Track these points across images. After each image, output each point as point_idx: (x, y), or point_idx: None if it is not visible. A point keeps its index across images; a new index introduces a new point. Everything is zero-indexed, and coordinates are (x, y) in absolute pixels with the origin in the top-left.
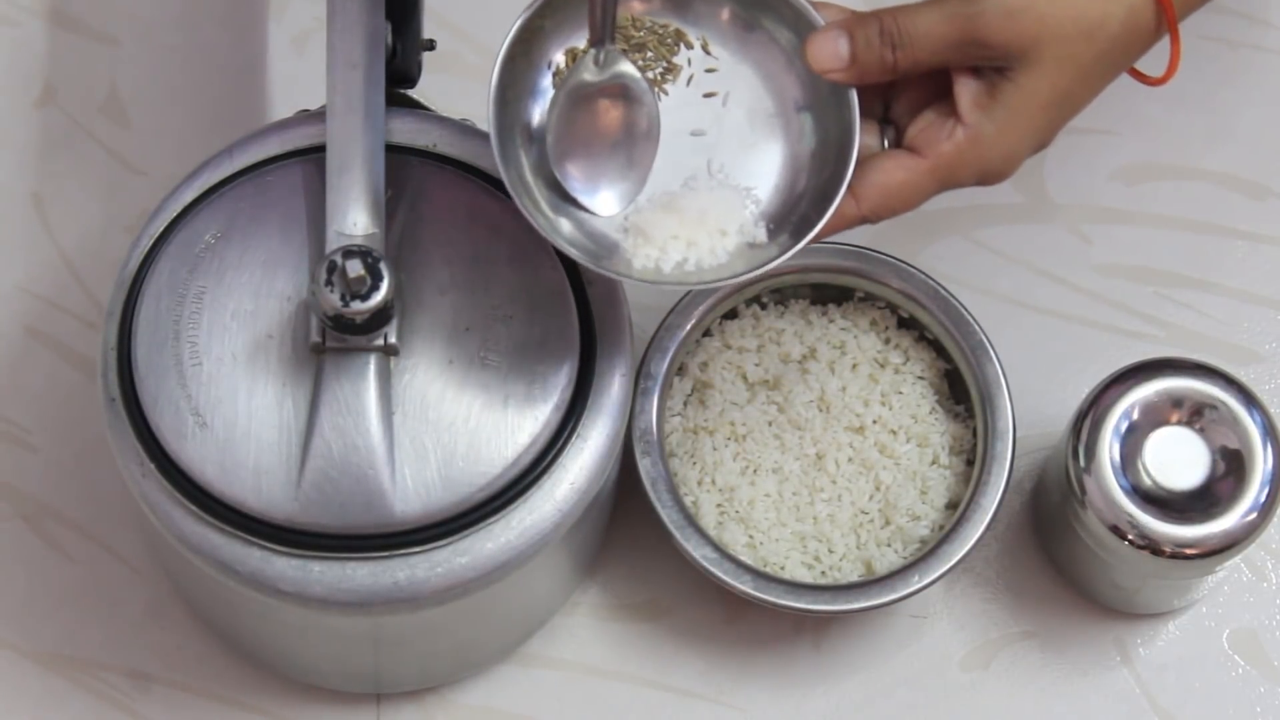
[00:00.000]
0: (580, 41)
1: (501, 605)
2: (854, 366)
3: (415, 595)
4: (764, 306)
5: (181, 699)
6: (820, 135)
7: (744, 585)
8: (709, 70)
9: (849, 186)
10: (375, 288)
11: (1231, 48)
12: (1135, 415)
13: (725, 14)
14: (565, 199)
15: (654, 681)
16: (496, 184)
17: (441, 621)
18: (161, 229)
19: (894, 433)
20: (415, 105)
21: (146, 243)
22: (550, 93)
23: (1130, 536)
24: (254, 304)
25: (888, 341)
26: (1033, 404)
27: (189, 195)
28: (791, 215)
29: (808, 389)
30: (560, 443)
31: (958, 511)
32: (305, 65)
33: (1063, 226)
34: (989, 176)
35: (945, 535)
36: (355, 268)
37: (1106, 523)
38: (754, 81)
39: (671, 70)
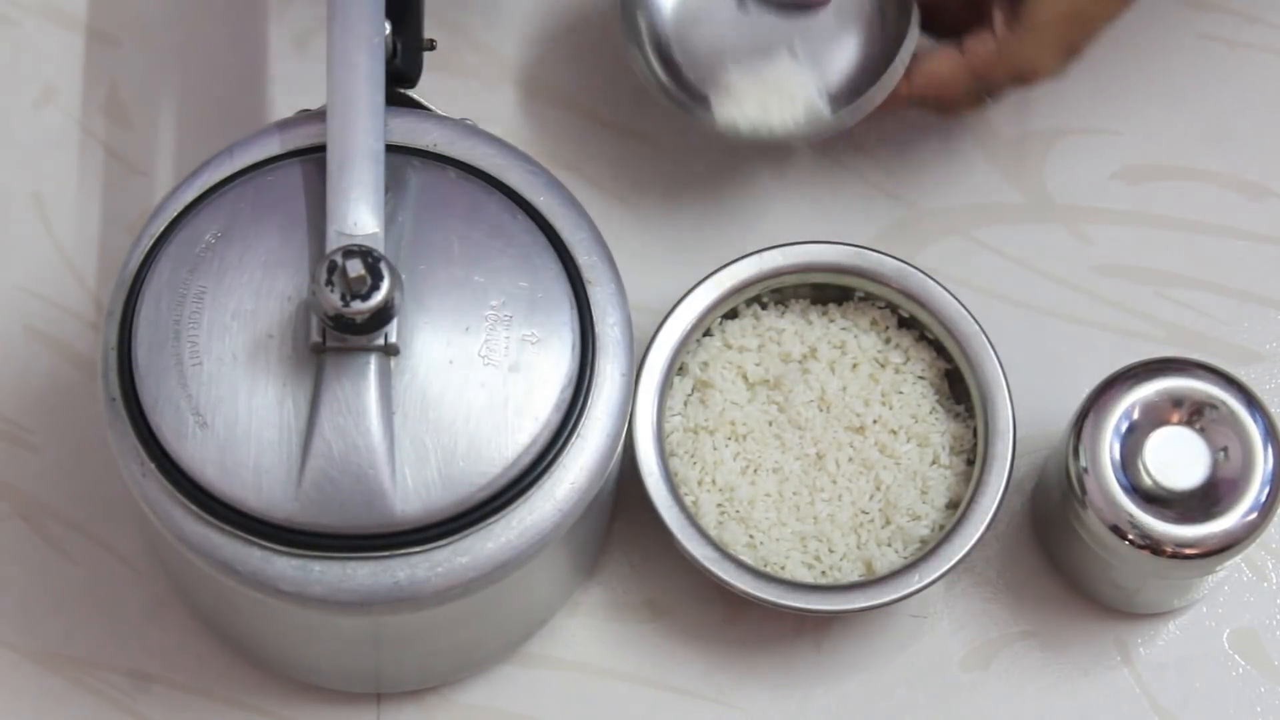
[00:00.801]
0: None
1: (502, 605)
2: (854, 366)
3: (415, 595)
4: (764, 306)
5: (181, 699)
6: (886, 29)
7: (744, 585)
8: None
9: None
10: (375, 287)
11: (1231, 48)
12: (1135, 415)
13: None
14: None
15: (654, 681)
16: (496, 184)
17: (442, 621)
18: (162, 229)
19: (894, 432)
20: (415, 105)
21: (147, 243)
22: None
23: (1130, 536)
24: (254, 304)
25: (888, 341)
26: (1033, 404)
27: (189, 195)
28: (853, 94)
29: (808, 388)
30: (560, 443)
31: (958, 511)
32: (305, 65)
33: (1063, 226)
34: (1022, 79)
35: (945, 535)
36: (355, 267)
37: (1107, 522)
38: None
39: None
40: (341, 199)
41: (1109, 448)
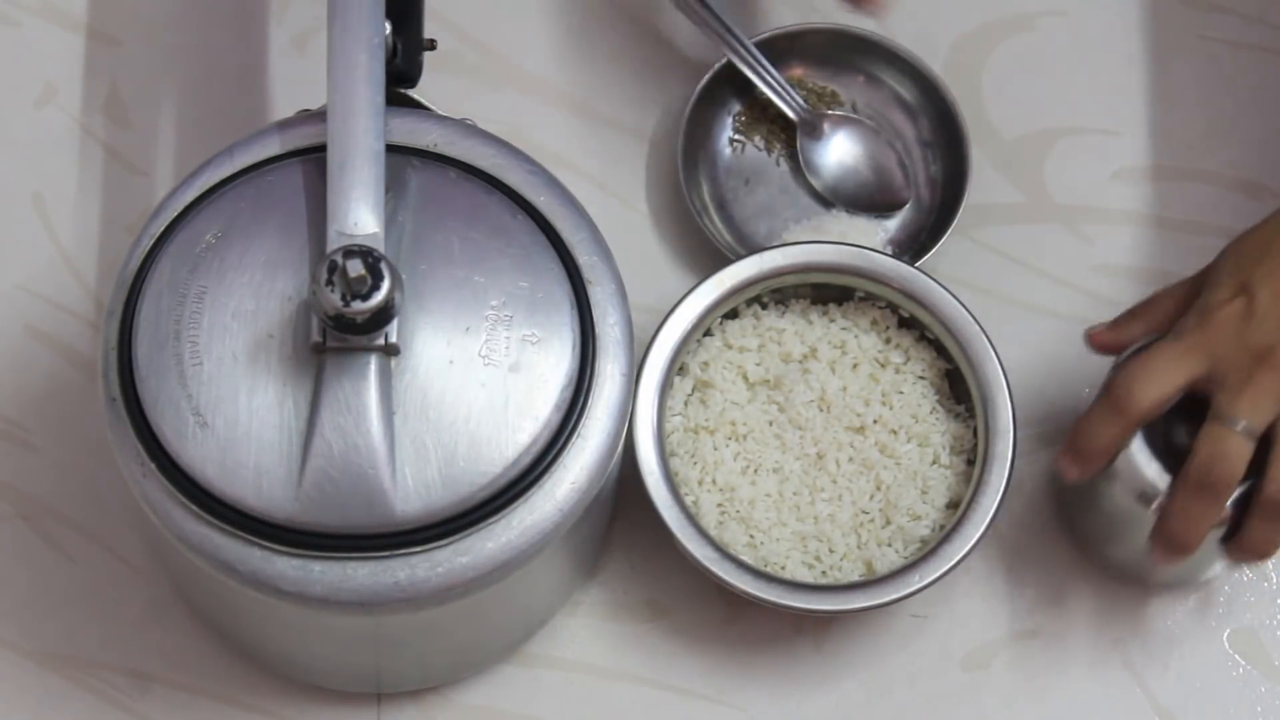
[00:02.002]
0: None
1: (502, 605)
2: (855, 366)
3: (415, 595)
4: (765, 306)
5: (181, 699)
6: (940, 173)
7: (744, 585)
8: (859, 122)
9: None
10: (376, 287)
11: (1231, 48)
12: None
13: (861, 78)
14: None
15: (654, 681)
16: (496, 184)
17: (442, 621)
18: (162, 229)
19: (894, 432)
20: (415, 105)
21: (147, 243)
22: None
23: (1157, 503)
24: (255, 304)
25: (888, 341)
26: (1033, 404)
27: (189, 195)
28: (912, 243)
29: (808, 388)
30: (560, 443)
31: (958, 511)
32: (305, 65)
33: (1063, 226)
34: None
35: (946, 535)
36: (356, 267)
37: (1134, 491)
38: (892, 132)
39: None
40: (342, 199)
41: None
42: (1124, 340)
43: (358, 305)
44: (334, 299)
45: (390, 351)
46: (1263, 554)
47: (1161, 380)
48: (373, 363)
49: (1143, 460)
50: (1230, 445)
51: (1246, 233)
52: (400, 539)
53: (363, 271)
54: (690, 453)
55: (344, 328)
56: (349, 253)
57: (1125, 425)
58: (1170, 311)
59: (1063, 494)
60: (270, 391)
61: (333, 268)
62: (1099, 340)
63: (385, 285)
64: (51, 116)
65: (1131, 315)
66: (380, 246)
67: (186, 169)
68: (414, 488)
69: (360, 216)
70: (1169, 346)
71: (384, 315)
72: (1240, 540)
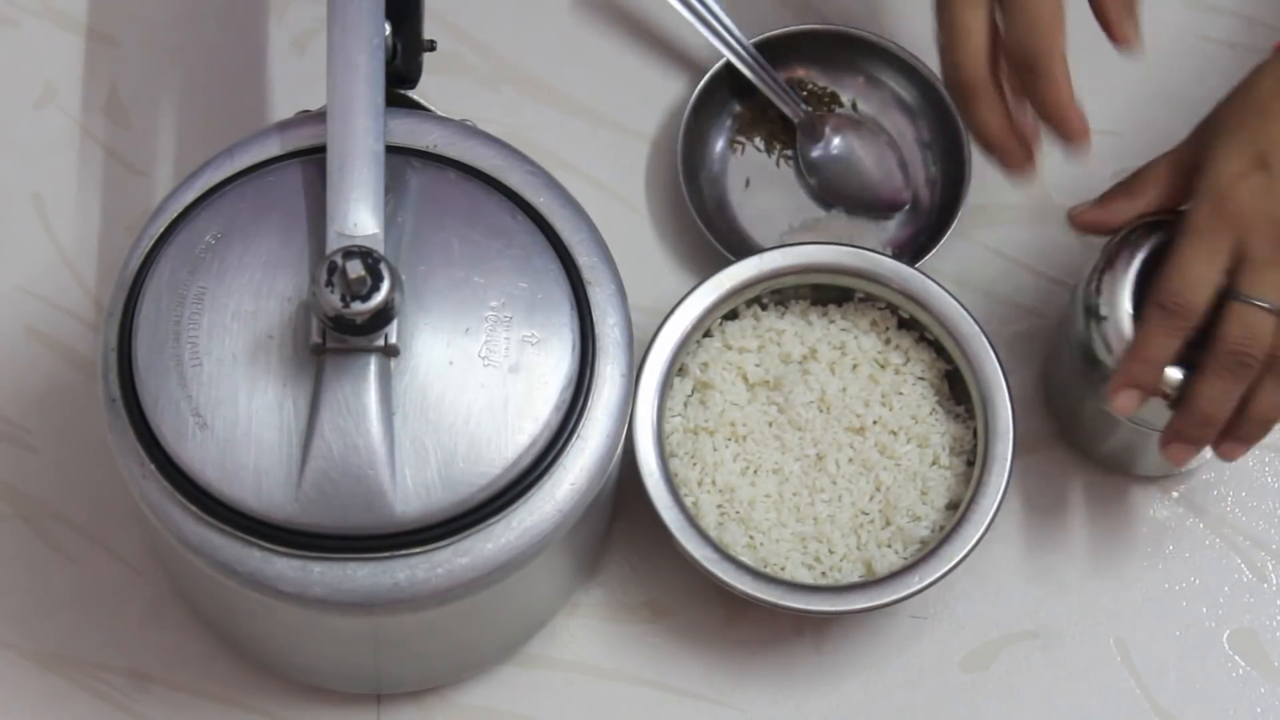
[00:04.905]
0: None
1: (502, 606)
2: (854, 367)
3: (415, 595)
4: (764, 307)
5: (181, 699)
6: (939, 175)
7: (744, 586)
8: (859, 123)
9: None
10: (375, 288)
11: (1232, 49)
12: (1149, 260)
13: (861, 79)
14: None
15: (654, 682)
16: (496, 184)
17: (442, 622)
18: (162, 229)
19: (894, 433)
20: (415, 106)
21: (147, 243)
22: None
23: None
24: (254, 305)
25: (888, 342)
26: (1033, 405)
27: (189, 195)
28: (912, 244)
29: (808, 389)
30: (560, 443)
31: (958, 512)
32: (305, 65)
33: (1063, 227)
34: None
35: (945, 536)
36: (356, 268)
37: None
38: (892, 133)
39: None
40: (341, 200)
41: (1127, 297)
42: (1112, 221)
43: (357, 306)
44: (333, 300)
45: (390, 352)
46: (1271, 421)
47: (1205, 278)
48: (372, 364)
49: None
50: (1261, 323)
51: (1236, 91)
52: (400, 540)
53: (362, 272)
54: (690, 454)
55: (344, 329)
56: (349, 254)
57: (1185, 333)
58: (1164, 185)
59: (1050, 394)
60: (270, 392)
61: (332, 268)
62: (1084, 220)
63: (385, 286)
64: (51, 117)
65: (1121, 191)
66: (380, 247)
67: (186, 169)
68: (413, 489)
69: (360, 217)
70: (1196, 241)
71: (384, 316)
72: (1249, 412)
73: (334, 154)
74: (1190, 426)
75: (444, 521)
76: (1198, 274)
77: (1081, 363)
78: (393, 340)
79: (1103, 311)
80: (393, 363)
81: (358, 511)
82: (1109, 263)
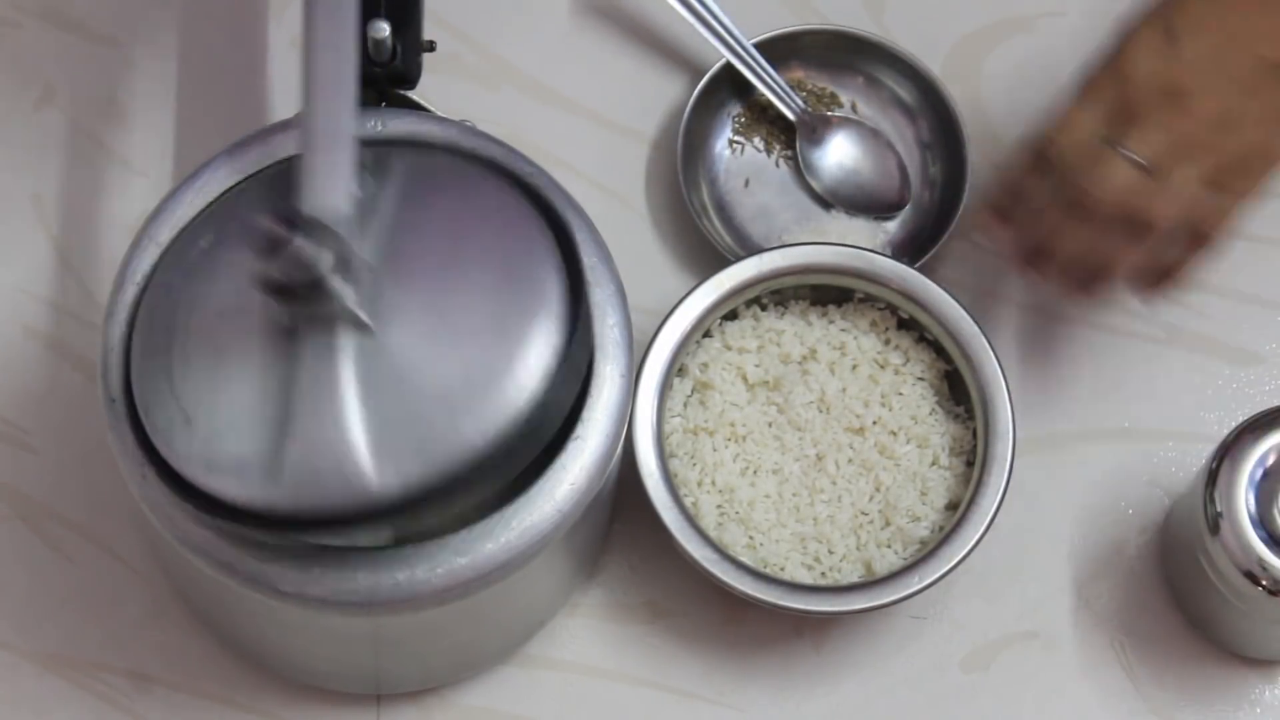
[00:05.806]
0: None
1: (502, 606)
2: (854, 367)
3: (415, 595)
4: (764, 307)
5: (181, 699)
6: (939, 175)
7: (744, 586)
8: (859, 124)
9: None
10: (288, 243)
11: None
12: (1270, 461)
13: (861, 79)
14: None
15: (654, 682)
16: (496, 184)
17: (442, 622)
18: (161, 230)
19: (894, 434)
20: (415, 107)
21: (145, 243)
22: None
23: (1264, 582)
24: (249, 304)
25: (888, 342)
26: (1033, 405)
27: (188, 196)
28: (912, 244)
29: (808, 390)
30: (560, 443)
31: (958, 512)
32: None
33: None
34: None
35: (945, 536)
36: (264, 224)
37: (1241, 567)
38: (892, 133)
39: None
40: (309, 177)
41: (1244, 493)
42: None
43: (275, 264)
44: (259, 265)
45: (360, 328)
46: (1075, 263)
47: (1081, 124)
48: (345, 344)
49: (1252, 540)
50: (1120, 173)
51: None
52: (380, 516)
53: (270, 225)
54: (689, 454)
55: (283, 295)
56: (262, 216)
57: (1050, 173)
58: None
59: (1170, 573)
60: (252, 385)
61: (252, 230)
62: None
63: (306, 241)
64: (51, 117)
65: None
66: (345, 225)
67: (186, 169)
68: (392, 465)
69: (322, 192)
70: (1083, 92)
71: (318, 281)
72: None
73: (303, 134)
74: (1020, 239)
75: (423, 496)
76: (1075, 119)
77: (1196, 546)
78: (364, 319)
79: (1219, 506)
80: (386, 365)
81: (336, 490)
82: (1227, 454)
